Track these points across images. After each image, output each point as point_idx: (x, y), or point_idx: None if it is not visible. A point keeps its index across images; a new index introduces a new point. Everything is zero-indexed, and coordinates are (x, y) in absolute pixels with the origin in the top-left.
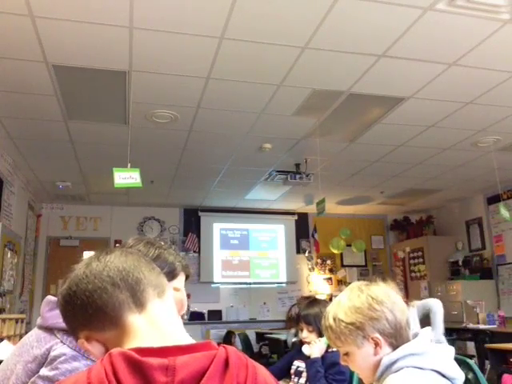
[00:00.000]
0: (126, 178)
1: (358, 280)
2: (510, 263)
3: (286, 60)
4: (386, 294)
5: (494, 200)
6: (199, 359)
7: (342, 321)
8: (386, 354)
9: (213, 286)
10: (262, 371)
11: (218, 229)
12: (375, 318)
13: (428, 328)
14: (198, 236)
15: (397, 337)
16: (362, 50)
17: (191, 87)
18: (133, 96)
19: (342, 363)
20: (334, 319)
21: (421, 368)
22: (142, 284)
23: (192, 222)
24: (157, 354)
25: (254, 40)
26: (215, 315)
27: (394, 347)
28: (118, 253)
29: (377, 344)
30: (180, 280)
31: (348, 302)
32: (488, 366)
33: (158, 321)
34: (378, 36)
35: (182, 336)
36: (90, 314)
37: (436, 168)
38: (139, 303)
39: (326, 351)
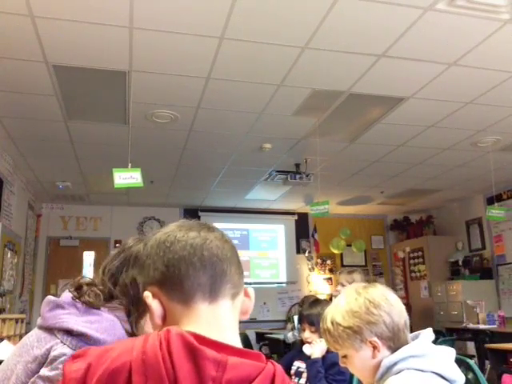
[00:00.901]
0: (127, 178)
1: (360, 280)
2: (509, 263)
3: (285, 60)
4: (383, 297)
5: (494, 200)
6: (248, 366)
7: (340, 325)
8: (386, 356)
9: None
10: None
11: None
12: (373, 322)
13: (429, 329)
14: None
15: (395, 340)
16: (362, 50)
17: (191, 87)
18: (133, 96)
19: (341, 365)
20: (332, 323)
21: (421, 370)
22: (225, 278)
23: None
24: (212, 346)
25: (254, 40)
26: None
27: (393, 350)
28: (219, 235)
29: (375, 347)
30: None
31: (345, 305)
32: (488, 366)
33: (221, 318)
34: (377, 36)
35: (237, 341)
36: (170, 275)
37: (436, 168)
38: (214, 295)
39: (327, 352)
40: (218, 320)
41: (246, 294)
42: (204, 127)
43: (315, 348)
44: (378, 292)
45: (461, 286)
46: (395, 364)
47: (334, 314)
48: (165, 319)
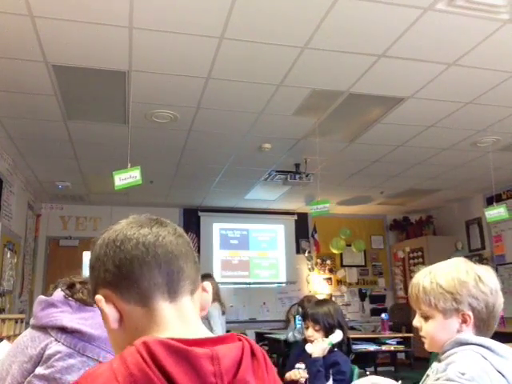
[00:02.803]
0: (126, 178)
1: (358, 280)
2: (509, 263)
3: (285, 60)
4: (493, 280)
5: (493, 200)
6: (233, 349)
7: (441, 286)
8: (468, 334)
9: None
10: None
11: (217, 229)
12: (476, 297)
13: None
14: (198, 236)
15: (486, 323)
16: (362, 50)
17: (191, 87)
18: (132, 96)
19: (414, 324)
20: (432, 282)
21: (484, 358)
22: (183, 275)
23: (192, 222)
24: (196, 345)
25: (254, 40)
26: None
27: (478, 331)
28: (172, 230)
29: (464, 321)
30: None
31: (454, 272)
32: None
33: (186, 316)
34: (377, 36)
35: (207, 331)
36: (122, 277)
37: (435, 168)
38: (173, 293)
39: (328, 352)
40: (183, 317)
41: (204, 289)
42: (204, 127)
43: (316, 347)
44: (490, 275)
45: None
46: (468, 344)
47: (437, 275)
48: (121, 322)
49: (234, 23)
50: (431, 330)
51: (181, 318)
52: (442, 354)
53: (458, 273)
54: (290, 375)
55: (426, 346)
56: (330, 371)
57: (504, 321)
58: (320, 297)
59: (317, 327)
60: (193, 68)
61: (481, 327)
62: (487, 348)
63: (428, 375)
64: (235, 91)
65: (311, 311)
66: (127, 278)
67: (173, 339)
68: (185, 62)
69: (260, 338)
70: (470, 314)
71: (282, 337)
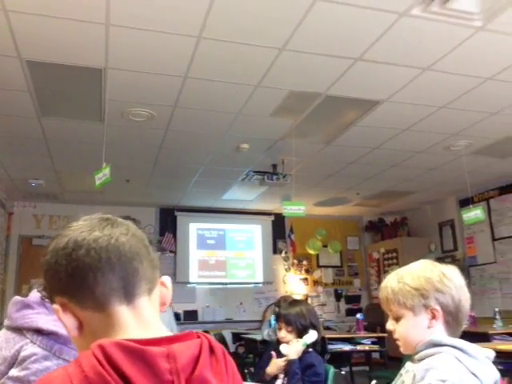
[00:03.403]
0: (102, 177)
1: (334, 280)
2: (481, 264)
3: (263, 61)
4: (458, 276)
5: (465, 202)
6: (190, 347)
7: (408, 284)
8: (440, 334)
9: (189, 286)
10: (232, 360)
11: (194, 229)
12: (442, 291)
13: (491, 351)
14: (174, 236)
15: (454, 316)
16: (339, 53)
17: (168, 86)
18: (109, 94)
19: (387, 328)
20: (399, 281)
21: (459, 360)
22: (138, 277)
23: (168, 222)
24: (151, 344)
25: (232, 40)
26: (191, 315)
27: (448, 326)
28: (124, 230)
29: (434, 316)
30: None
31: (419, 271)
32: None
33: (143, 316)
34: (354, 39)
35: (165, 330)
36: (76, 285)
37: (410, 170)
38: (129, 295)
39: (303, 352)
40: (141, 318)
41: (163, 284)
42: (181, 126)
43: (291, 349)
44: (454, 272)
45: None
46: (442, 345)
47: (404, 275)
48: (81, 328)
49: (212, 23)
50: (403, 329)
51: (139, 319)
52: (415, 354)
53: (423, 271)
54: (272, 368)
55: (402, 349)
56: (306, 373)
57: (475, 321)
58: (296, 297)
59: (289, 328)
60: (170, 66)
61: (450, 322)
62: (460, 349)
63: (401, 374)
64: (213, 91)
65: (283, 312)
66: (81, 286)
67: (128, 340)
68: (162, 60)
69: (236, 338)
70: (438, 308)
71: (258, 337)
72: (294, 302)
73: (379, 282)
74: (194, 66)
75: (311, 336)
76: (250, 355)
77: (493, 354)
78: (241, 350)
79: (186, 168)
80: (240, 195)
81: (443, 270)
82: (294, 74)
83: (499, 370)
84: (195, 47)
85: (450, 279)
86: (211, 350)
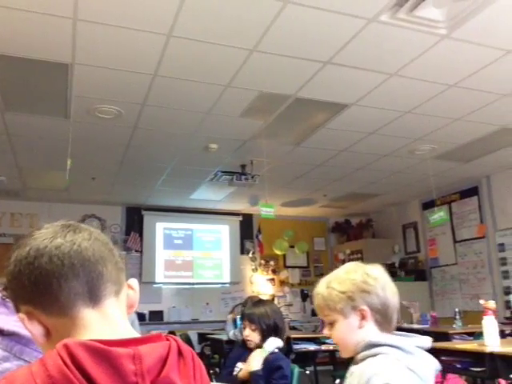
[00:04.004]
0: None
1: (300, 281)
2: (442, 266)
3: (234, 61)
4: (381, 274)
5: (428, 205)
6: (158, 348)
7: (335, 289)
8: (376, 334)
9: (155, 286)
10: (201, 362)
11: (161, 228)
12: (367, 291)
13: (427, 338)
14: (141, 235)
15: (383, 314)
16: (309, 56)
17: (137, 83)
18: (75, 90)
19: (324, 333)
20: (327, 287)
21: (397, 359)
22: (102, 280)
23: (135, 221)
24: (118, 345)
25: (203, 39)
26: (156, 316)
27: (379, 324)
28: (87, 235)
29: (363, 317)
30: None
31: (344, 274)
32: None
33: (110, 318)
34: (324, 43)
35: (133, 332)
36: (40, 293)
37: (376, 173)
38: (95, 298)
39: (271, 353)
40: (108, 320)
41: (130, 287)
42: (149, 125)
43: (254, 360)
44: (378, 270)
45: (397, 288)
46: (380, 346)
47: (331, 279)
48: (49, 335)
49: (182, 21)
50: (338, 334)
51: (105, 321)
52: (356, 355)
53: (348, 274)
54: (243, 373)
55: (341, 354)
56: (274, 376)
57: (436, 321)
58: (263, 297)
59: (253, 327)
60: (139, 64)
61: (380, 320)
62: (397, 348)
63: (347, 377)
64: (182, 90)
65: (248, 311)
66: (45, 293)
67: (94, 340)
68: (131, 57)
69: (202, 338)
70: (365, 308)
71: (224, 337)
72: (259, 302)
73: None
74: (164, 64)
75: (272, 343)
76: (216, 356)
77: (429, 343)
78: (206, 350)
79: (153, 167)
80: (208, 195)
81: (367, 270)
82: (264, 75)
83: (458, 368)
84: (165, 45)
85: (374, 278)
86: (180, 352)
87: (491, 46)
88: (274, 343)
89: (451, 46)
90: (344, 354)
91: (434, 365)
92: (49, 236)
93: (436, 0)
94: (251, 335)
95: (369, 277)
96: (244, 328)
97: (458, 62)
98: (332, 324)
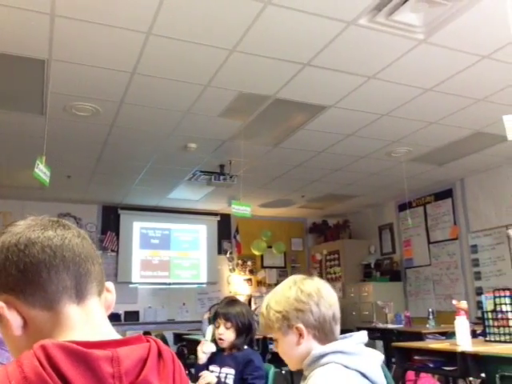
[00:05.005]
0: (42, 171)
1: (277, 281)
2: (416, 266)
3: (214, 61)
4: (315, 288)
5: (403, 207)
6: (137, 350)
7: (272, 308)
8: (313, 345)
9: (130, 286)
10: (181, 365)
11: (138, 228)
12: (301, 310)
13: (364, 332)
14: (117, 235)
15: (319, 329)
16: (289, 58)
17: (115, 81)
18: (51, 86)
19: (274, 349)
20: (266, 306)
21: (346, 367)
22: (90, 277)
23: (111, 220)
24: (97, 347)
25: (183, 38)
26: (132, 316)
27: (318, 339)
28: (76, 232)
29: (300, 334)
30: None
31: (280, 292)
32: (394, 363)
33: (93, 317)
34: (304, 45)
35: (114, 333)
36: (28, 282)
37: (353, 175)
38: (80, 295)
39: (238, 349)
40: (91, 318)
41: (107, 290)
42: (127, 123)
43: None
44: (313, 284)
45: (372, 288)
46: (324, 356)
47: (270, 298)
48: (26, 327)
49: (162, 20)
50: (281, 350)
51: (88, 319)
52: (305, 370)
53: (283, 291)
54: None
55: (289, 367)
56: (247, 370)
57: (410, 321)
58: (240, 298)
59: (228, 325)
60: (118, 61)
61: (317, 335)
62: (341, 352)
63: None
64: (161, 88)
65: (222, 311)
66: (33, 282)
67: (73, 342)
68: (110, 54)
69: (178, 338)
70: (301, 326)
71: (200, 337)
72: (233, 302)
73: None
74: (143, 62)
75: (209, 332)
76: (192, 356)
77: (366, 337)
78: (183, 350)
79: (131, 166)
80: (186, 195)
81: (301, 286)
82: (243, 75)
83: (430, 367)
84: (144, 43)
85: (308, 294)
86: (160, 354)
87: (466, 52)
88: (210, 331)
89: (428, 51)
90: (291, 368)
91: (378, 357)
92: (39, 228)
93: (414, 5)
94: (225, 334)
95: (302, 293)
96: (218, 327)
97: (434, 66)
98: (276, 341)
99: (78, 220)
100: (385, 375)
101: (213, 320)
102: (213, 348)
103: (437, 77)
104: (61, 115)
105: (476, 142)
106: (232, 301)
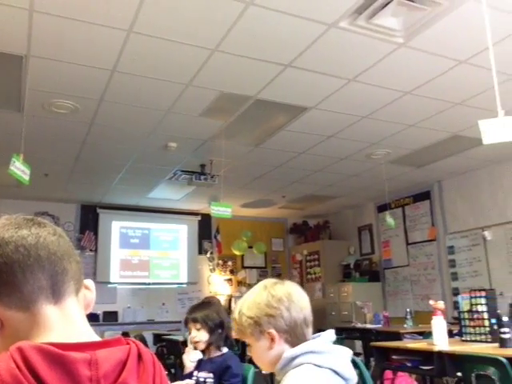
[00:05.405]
0: (20, 169)
1: (258, 281)
2: (394, 267)
3: (195, 60)
4: (286, 293)
5: (383, 208)
6: (117, 353)
7: (244, 314)
8: (286, 349)
9: (109, 286)
10: (162, 367)
11: (117, 227)
12: (271, 315)
13: (331, 330)
14: (96, 234)
15: (291, 334)
16: (270, 58)
17: (95, 79)
18: (29, 83)
19: (248, 353)
20: (239, 312)
21: (319, 366)
22: (67, 276)
23: (89, 220)
24: (75, 349)
25: (164, 37)
26: (111, 316)
27: (290, 343)
28: (52, 230)
29: (272, 339)
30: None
31: (252, 298)
32: (373, 362)
33: (71, 317)
34: (285, 46)
35: (92, 334)
36: (2, 283)
37: (333, 176)
38: (57, 295)
39: (220, 355)
40: (69, 318)
41: (86, 287)
42: (107, 121)
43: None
44: (283, 288)
45: (351, 288)
46: (296, 357)
47: (242, 304)
48: (1, 329)
49: (143, 18)
50: (254, 355)
51: (66, 320)
52: (277, 374)
53: (254, 296)
54: None
55: (263, 370)
56: (224, 377)
57: (388, 320)
58: (220, 297)
59: (197, 326)
60: (98, 59)
61: (289, 338)
62: (312, 352)
63: None
64: (142, 87)
65: (189, 316)
66: (7, 283)
67: (50, 344)
68: (89, 51)
69: (158, 339)
70: (272, 331)
71: (180, 338)
72: (199, 306)
73: (301, 284)
74: (123, 60)
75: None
76: (172, 356)
77: (334, 335)
78: (162, 351)
79: (110, 164)
80: (167, 194)
81: (272, 290)
82: (225, 75)
83: (407, 366)
84: (125, 41)
85: (278, 299)
86: (140, 357)
87: (445, 56)
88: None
89: (407, 55)
90: (265, 370)
91: (347, 354)
92: (13, 227)
93: (394, 9)
94: (198, 335)
95: (273, 298)
96: (190, 332)
97: (413, 70)
98: (249, 345)
99: (55, 219)
100: (358, 366)
101: (185, 327)
102: (199, 355)
103: (416, 80)
104: (39, 112)
105: (453, 145)
106: (198, 305)
